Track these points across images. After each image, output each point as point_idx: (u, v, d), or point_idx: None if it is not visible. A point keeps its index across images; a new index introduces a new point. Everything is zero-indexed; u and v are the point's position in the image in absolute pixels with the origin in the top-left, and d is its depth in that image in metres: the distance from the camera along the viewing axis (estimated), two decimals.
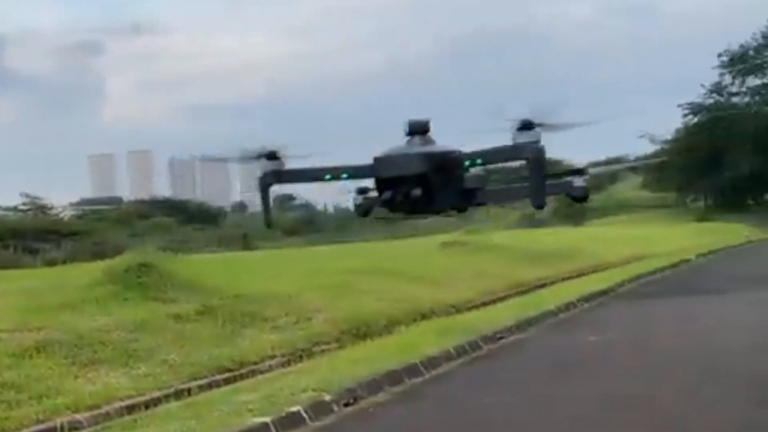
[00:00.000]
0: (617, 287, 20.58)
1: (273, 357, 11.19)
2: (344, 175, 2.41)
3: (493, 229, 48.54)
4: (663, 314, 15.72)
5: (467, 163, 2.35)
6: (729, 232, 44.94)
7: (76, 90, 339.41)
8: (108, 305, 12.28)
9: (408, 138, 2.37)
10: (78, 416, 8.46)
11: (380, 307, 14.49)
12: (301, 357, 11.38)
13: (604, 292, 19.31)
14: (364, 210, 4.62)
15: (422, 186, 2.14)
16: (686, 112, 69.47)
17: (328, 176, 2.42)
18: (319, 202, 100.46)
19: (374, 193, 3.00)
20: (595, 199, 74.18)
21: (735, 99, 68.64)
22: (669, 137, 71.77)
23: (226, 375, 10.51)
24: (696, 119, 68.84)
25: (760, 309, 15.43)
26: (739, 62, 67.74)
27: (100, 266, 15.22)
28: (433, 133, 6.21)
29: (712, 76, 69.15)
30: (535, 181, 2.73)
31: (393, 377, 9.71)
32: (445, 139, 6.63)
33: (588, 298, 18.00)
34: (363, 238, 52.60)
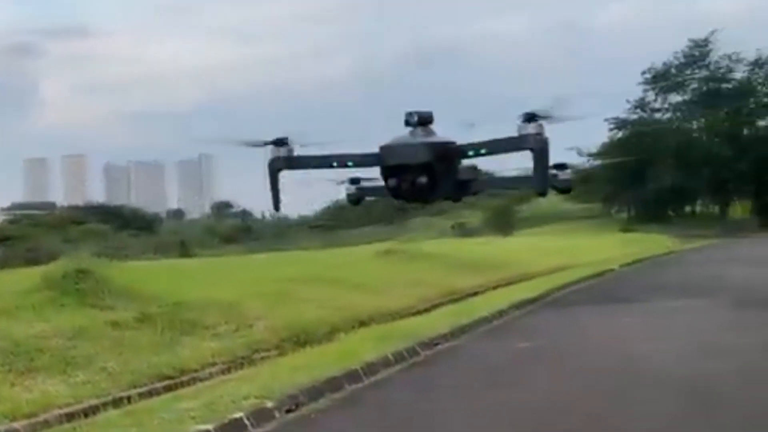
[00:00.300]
0: (546, 295, 20.94)
1: (213, 364, 11.09)
2: (350, 163, 2.47)
3: (427, 237, 48.93)
4: (589, 321, 16.06)
5: (471, 152, 2.40)
6: (652, 243, 46.13)
7: (9, 92, 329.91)
8: (45, 312, 11.98)
9: (410, 129, 2.44)
10: (15, 425, 8.25)
11: (320, 315, 14.48)
12: (241, 364, 11.29)
13: (533, 300, 19.64)
14: (356, 199, 4.74)
15: (427, 174, 2.20)
16: (612, 126, 71.28)
17: (335, 163, 2.49)
18: (256, 210, 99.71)
19: (367, 183, 3.08)
20: (524, 209, 75.58)
21: (657, 115, 70.78)
22: (595, 150, 73.38)
23: (166, 383, 10.36)
24: (621, 134, 70.63)
25: (682, 316, 15.92)
26: (662, 79, 69.93)
27: (35, 272, 14.85)
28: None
29: (638, 92, 71.22)
30: (539, 171, 2.81)
31: (334, 384, 9.71)
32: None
33: (519, 306, 18.28)
34: (300, 246, 52.48)
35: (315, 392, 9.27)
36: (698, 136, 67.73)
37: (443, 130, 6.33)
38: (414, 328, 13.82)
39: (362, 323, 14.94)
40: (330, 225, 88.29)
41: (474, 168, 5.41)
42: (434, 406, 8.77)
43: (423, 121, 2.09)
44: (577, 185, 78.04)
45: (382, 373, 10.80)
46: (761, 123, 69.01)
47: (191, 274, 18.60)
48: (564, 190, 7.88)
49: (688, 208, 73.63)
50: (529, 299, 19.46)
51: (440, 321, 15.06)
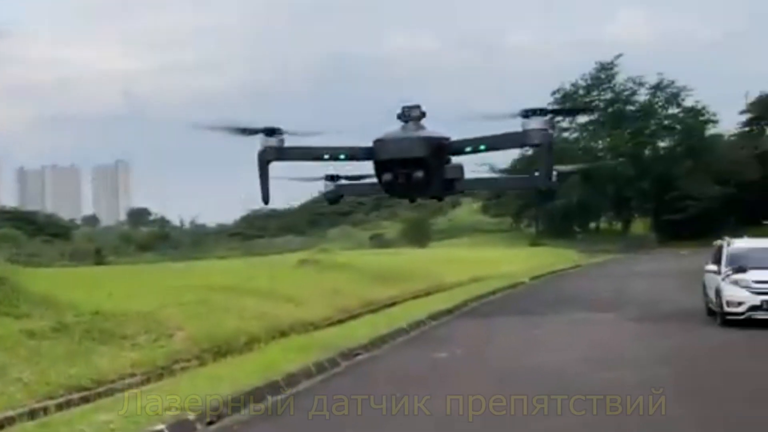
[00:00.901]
0: (461, 306, 21.23)
1: (132, 375, 10.75)
2: (341, 156, 2.31)
3: (345, 248, 48.92)
4: (503, 332, 16.35)
5: (468, 149, 2.26)
6: (559, 257, 47.32)
7: None
8: None
9: (402, 124, 2.29)
10: None
11: (240, 325, 14.26)
12: (161, 375, 10.98)
13: (449, 311, 19.88)
14: (334, 196, 4.33)
15: (423, 169, 2.09)
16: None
17: (326, 155, 2.33)
18: (174, 218, 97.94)
19: (344, 181, 2.85)
20: (438, 221, 76.49)
21: (566, 134, 72.74)
22: (507, 166, 74.86)
23: (84, 393, 9.97)
24: (531, 151, 72.20)
25: (587, 329, 16.40)
26: (570, 100, 72.02)
27: None
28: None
29: None
30: (545, 165, 2.73)
31: (255, 395, 9.58)
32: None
33: (435, 317, 18.48)
34: (218, 255, 51.70)
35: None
36: (603, 156, 69.92)
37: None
38: (334, 339, 13.78)
39: (282, 333, 14.79)
40: (248, 234, 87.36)
41: (460, 167, 5.26)
42: (353, 417, 8.75)
43: (416, 116, 2.00)
44: (489, 200, 79.84)
45: (303, 384, 10.72)
46: (661, 144, 71.83)
47: (108, 283, 18.03)
48: (548, 191, 7.90)
49: (592, 224, 75.92)
50: (445, 310, 19.69)
51: (359, 331, 15.07)
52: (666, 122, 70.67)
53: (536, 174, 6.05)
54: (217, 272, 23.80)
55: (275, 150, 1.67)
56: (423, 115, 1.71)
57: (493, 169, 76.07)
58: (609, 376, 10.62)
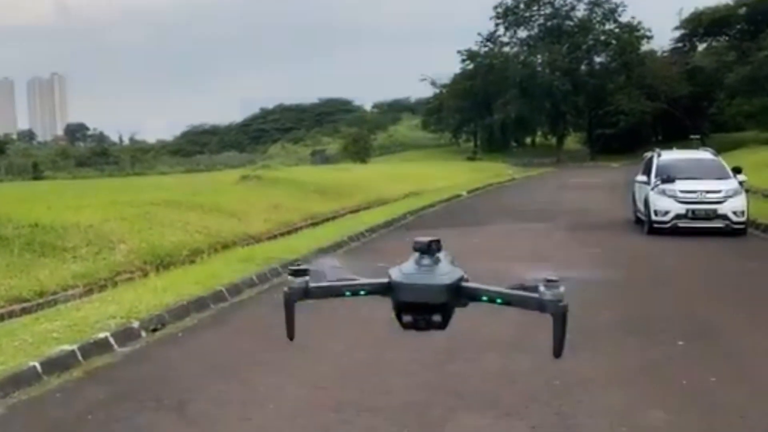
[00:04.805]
0: (400, 219, 21.43)
1: (75, 287, 10.63)
2: (362, 292, 2.12)
3: (286, 164, 48.58)
4: (442, 241, 16.57)
5: (484, 298, 2.03)
6: (496, 171, 47.82)
7: None
8: None
9: (417, 255, 2.04)
10: None
11: (183, 238, 14.16)
12: (104, 286, 10.87)
13: (389, 224, 20.06)
14: (296, 297, 3.07)
15: (442, 313, 1.97)
16: (463, 58, 72.59)
17: (347, 293, 2.11)
18: (113, 134, 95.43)
19: (306, 277, 2.36)
20: (378, 137, 76.32)
21: (506, 48, 72.54)
22: (447, 81, 74.73)
23: (25, 305, 9.84)
24: (472, 65, 72.07)
25: (523, 237, 16.78)
26: (511, 14, 71.61)
27: None
28: None
29: (490, 26, 72.64)
30: (558, 337, 2.38)
31: (199, 303, 9.62)
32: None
33: (375, 229, 18.63)
34: (160, 172, 50.89)
35: (180, 312, 9.15)
36: (541, 71, 70.16)
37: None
38: (276, 251, 13.80)
39: (225, 246, 14.75)
40: (189, 150, 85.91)
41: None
42: (296, 323, 8.83)
43: (431, 250, 1.82)
44: (429, 115, 79.74)
45: (246, 293, 10.78)
46: (597, 59, 72.31)
47: (47, 197, 17.69)
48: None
49: (529, 139, 76.73)
50: (384, 223, 19.85)
51: (301, 243, 15.13)
52: (602, 38, 70.93)
53: None
54: (159, 188, 23.46)
55: (302, 291, 1.60)
56: (439, 249, 1.64)
57: (434, 84, 76.01)
58: (541, 276, 10.93)
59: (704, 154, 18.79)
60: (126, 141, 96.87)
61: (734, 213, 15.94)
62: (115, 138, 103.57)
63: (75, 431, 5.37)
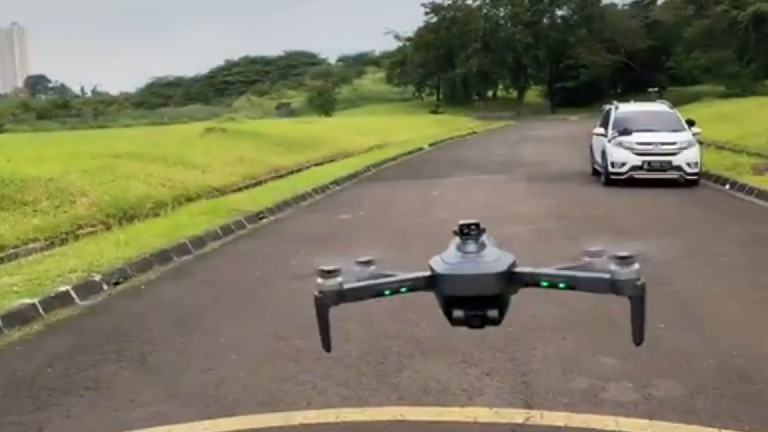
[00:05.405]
0: (363, 172, 21.39)
1: (35, 240, 10.46)
2: (402, 289, 1.90)
3: (250, 117, 48.01)
4: (403, 194, 16.61)
5: (545, 283, 1.78)
6: (458, 124, 47.83)
7: None
8: None
9: (461, 240, 1.78)
10: None
11: (146, 191, 13.97)
12: (65, 240, 10.72)
13: (352, 176, 20.02)
14: (330, 301, 2.64)
15: (497, 306, 1.71)
16: (427, 11, 71.75)
17: (387, 291, 1.91)
18: (75, 86, 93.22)
19: (339, 278, 2.07)
20: (343, 91, 75.65)
21: (469, 1, 71.71)
22: (412, 35, 73.90)
23: None
24: (435, 18, 71.30)
25: (483, 189, 16.87)
26: None
27: None
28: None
29: None
30: (638, 321, 2.16)
31: (162, 256, 9.53)
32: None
33: (339, 182, 18.58)
34: (123, 124, 49.91)
35: (143, 264, 9.07)
36: (503, 24, 69.73)
37: None
38: (240, 203, 13.71)
39: (189, 199, 14.61)
40: (153, 102, 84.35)
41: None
42: (259, 275, 8.84)
43: (474, 234, 1.58)
44: (393, 69, 78.95)
45: (210, 245, 10.71)
46: (559, 12, 72.02)
47: (7, 149, 17.30)
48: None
49: (490, 93, 76.58)
50: (347, 175, 19.80)
51: (265, 196, 15.04)
52: None
53: None
54: (122, 140, 23.06)
55: (336, 294, 1.37)
56: (482, 231, 1.42)
57: (398, 37, 75.04)
58: (500, 227, 11.01)
59: (660, 107, 18.95)
60: (88, 93, 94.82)
61: (688, 164, 16.16)
62: (77, 90, 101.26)
63: (35, 383, 5.32)
